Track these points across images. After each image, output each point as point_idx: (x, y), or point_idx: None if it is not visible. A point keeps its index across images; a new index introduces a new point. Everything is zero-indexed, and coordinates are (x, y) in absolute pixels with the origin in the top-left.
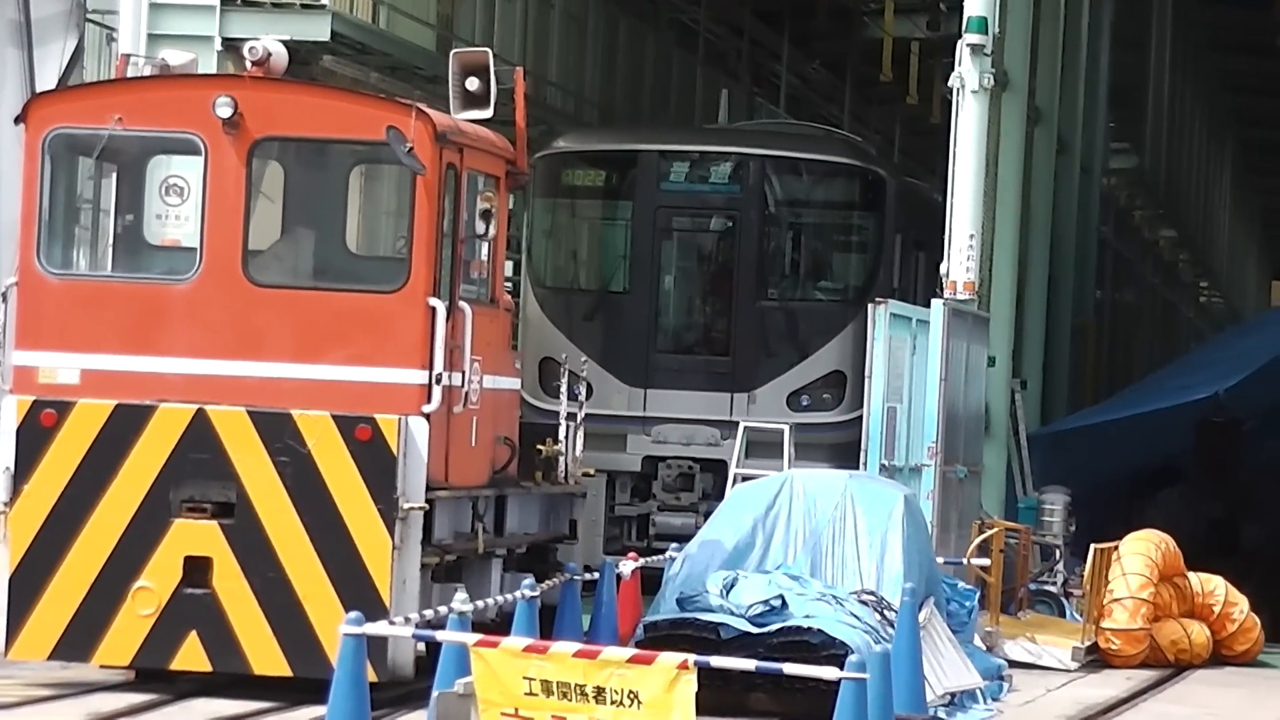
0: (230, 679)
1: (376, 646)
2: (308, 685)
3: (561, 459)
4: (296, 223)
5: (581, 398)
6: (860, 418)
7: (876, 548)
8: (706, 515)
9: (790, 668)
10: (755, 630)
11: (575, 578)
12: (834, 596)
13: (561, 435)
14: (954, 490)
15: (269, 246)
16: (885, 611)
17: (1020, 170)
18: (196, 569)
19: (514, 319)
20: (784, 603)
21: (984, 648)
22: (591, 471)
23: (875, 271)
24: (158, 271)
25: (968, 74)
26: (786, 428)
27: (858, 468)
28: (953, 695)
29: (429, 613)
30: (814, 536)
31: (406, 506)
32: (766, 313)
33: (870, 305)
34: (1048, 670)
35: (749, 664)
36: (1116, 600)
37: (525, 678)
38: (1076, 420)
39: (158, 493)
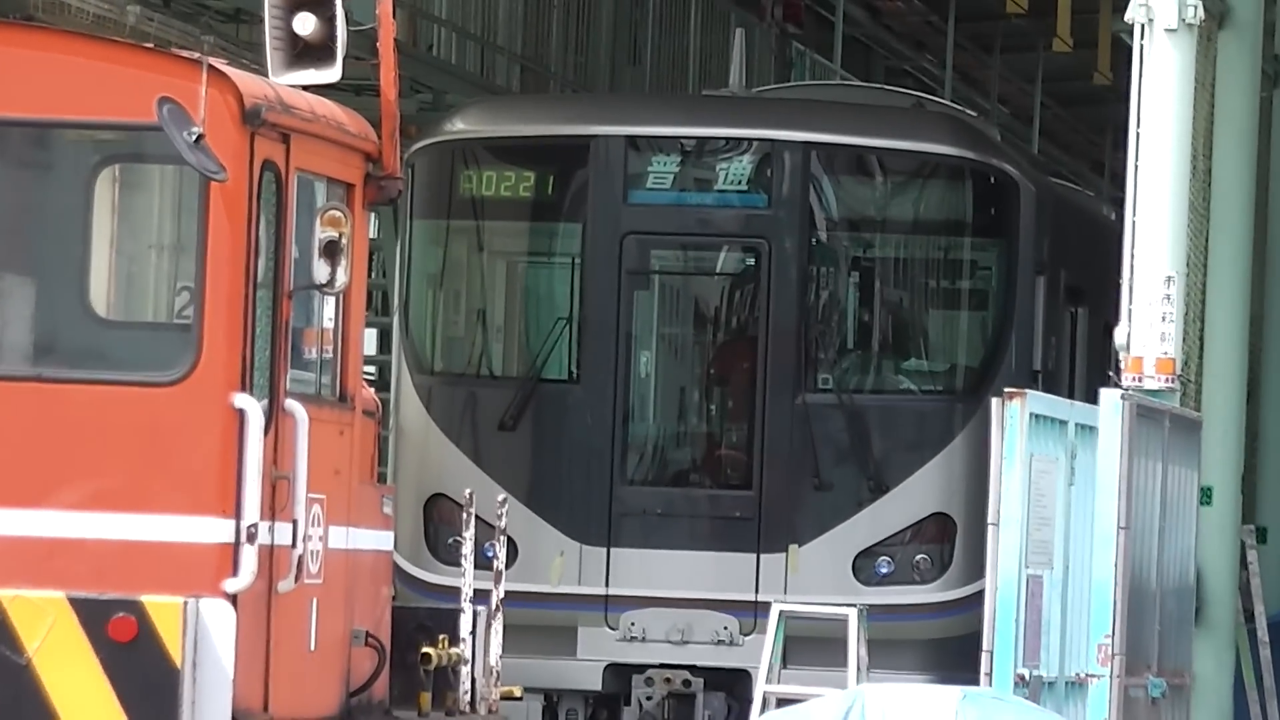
0: None
1: None
2: None
3: (465, 669)
4: (4, 268)
5: (499, 564)
6: (979, 594)
7: None
8: None
9: None
10: None
11: None
12: None
13: (464, 629)
14: (1146, 719)
15: None
16: None
17: (1251, 163)
18: None
19: (381, 429)
20: None
21: None
22: (518, 692)
23: (1002, 341)
24: None
25: (1158, 2)
26: (854, 613)
27: (977, 681)
28: None
29: None
30: None
31: None
32: (816, 415)
33: (994, 400)
34: None
35: None
36: None
37: None
38: None
39: None
